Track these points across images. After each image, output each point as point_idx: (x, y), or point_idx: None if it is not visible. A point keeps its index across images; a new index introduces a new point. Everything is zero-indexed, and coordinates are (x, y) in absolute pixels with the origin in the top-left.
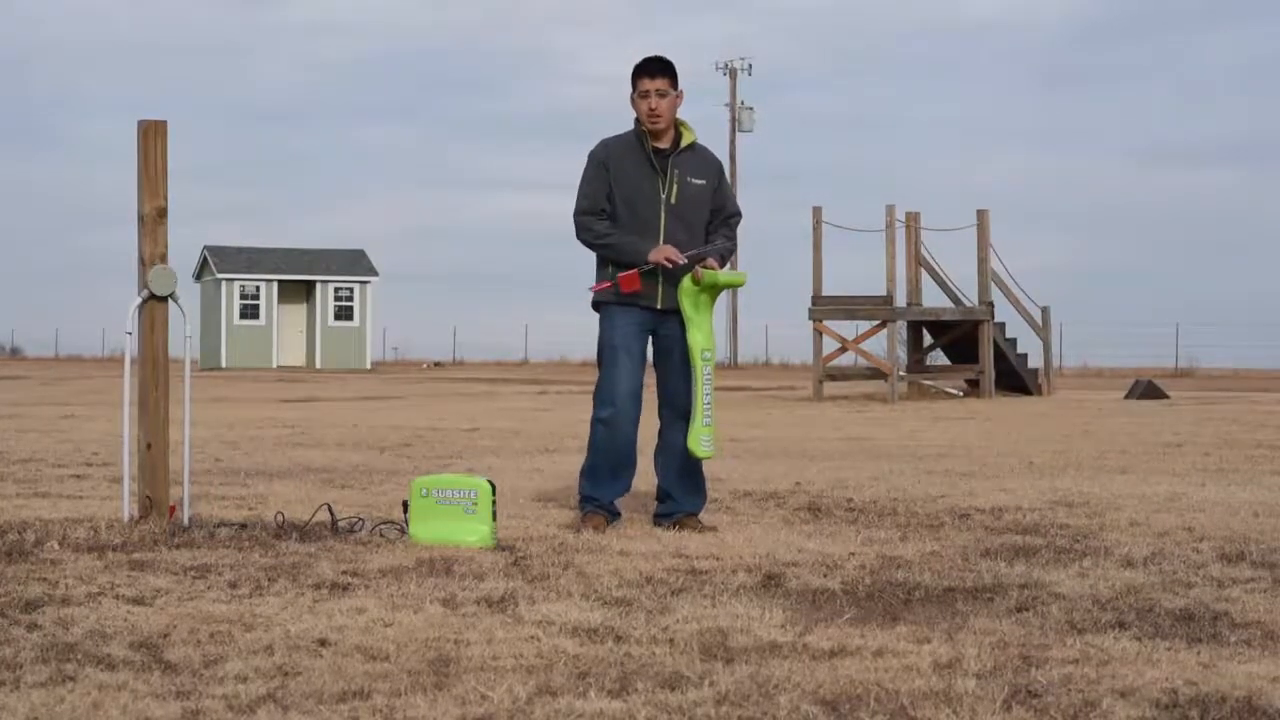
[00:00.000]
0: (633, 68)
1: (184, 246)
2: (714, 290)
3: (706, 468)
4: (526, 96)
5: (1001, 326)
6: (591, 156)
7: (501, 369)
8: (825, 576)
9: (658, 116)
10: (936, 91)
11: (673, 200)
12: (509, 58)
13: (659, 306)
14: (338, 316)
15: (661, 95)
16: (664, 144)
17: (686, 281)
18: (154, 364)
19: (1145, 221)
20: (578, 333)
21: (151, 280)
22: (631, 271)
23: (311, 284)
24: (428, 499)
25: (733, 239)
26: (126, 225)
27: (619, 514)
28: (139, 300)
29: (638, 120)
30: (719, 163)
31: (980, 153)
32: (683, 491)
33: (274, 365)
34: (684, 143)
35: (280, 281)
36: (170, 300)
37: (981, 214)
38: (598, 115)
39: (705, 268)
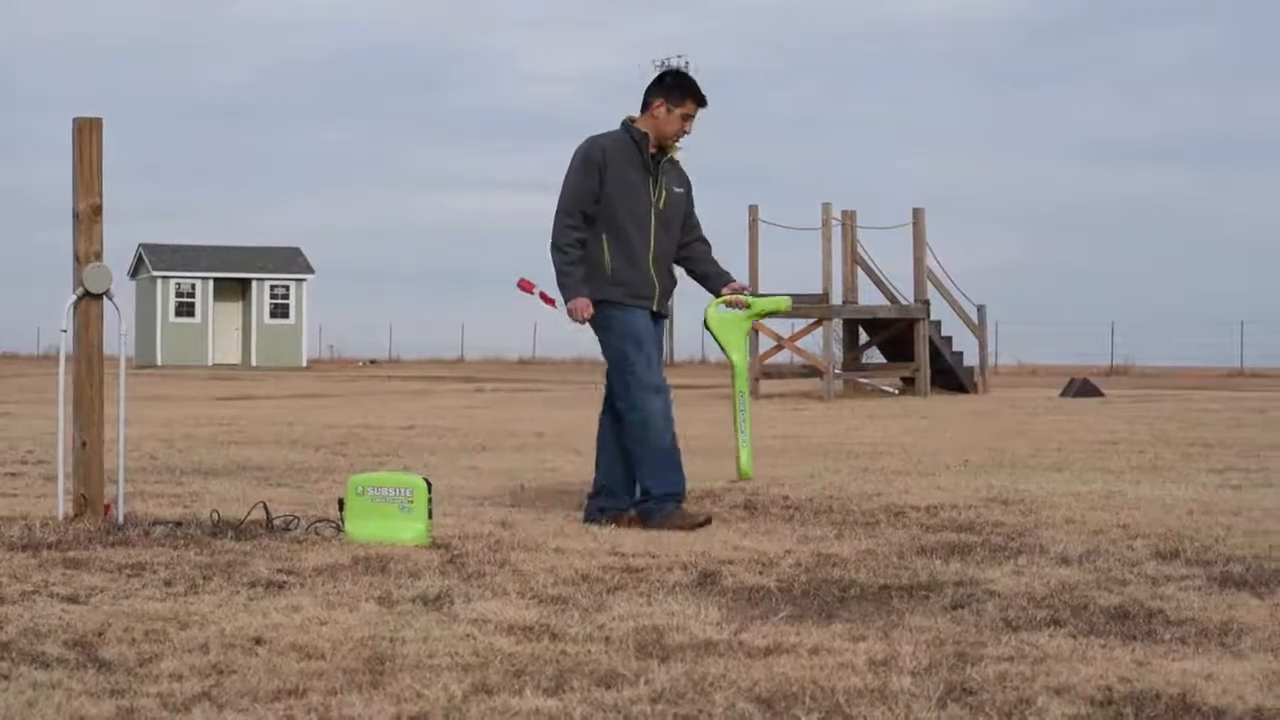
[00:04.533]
0: (680, 85)
1: (122, 244)
2: (755, 317)
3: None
4: (468, 95)
5: (937, 325)
6: (588, 156)
7: (437, 367)
8: (761, 574)
9: (682, 137)
10: (875, 91)
11: (661, 206)
12: (453, 57)
13: (654, 309)
14: (273, 314)
15: (692, 119)
16: (653, 149)
17: (713, 310)
18: (89, 361)
19: (1081, 220)
20: (513, 331)
21: (86, 278)
22: (552, 299)
23: (247, 282)
24: (363, 497)
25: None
26: (63, 223)
27: None
28: (74, 298)
29: (631, 123)
30: (689, 180)
31: (919, 152)
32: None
33: (209, 363)
34: (667, 153)
35: (216, 279)
36: (105, 298)
37: (917, 212)
38: (540, 114)
39: (739, 292)
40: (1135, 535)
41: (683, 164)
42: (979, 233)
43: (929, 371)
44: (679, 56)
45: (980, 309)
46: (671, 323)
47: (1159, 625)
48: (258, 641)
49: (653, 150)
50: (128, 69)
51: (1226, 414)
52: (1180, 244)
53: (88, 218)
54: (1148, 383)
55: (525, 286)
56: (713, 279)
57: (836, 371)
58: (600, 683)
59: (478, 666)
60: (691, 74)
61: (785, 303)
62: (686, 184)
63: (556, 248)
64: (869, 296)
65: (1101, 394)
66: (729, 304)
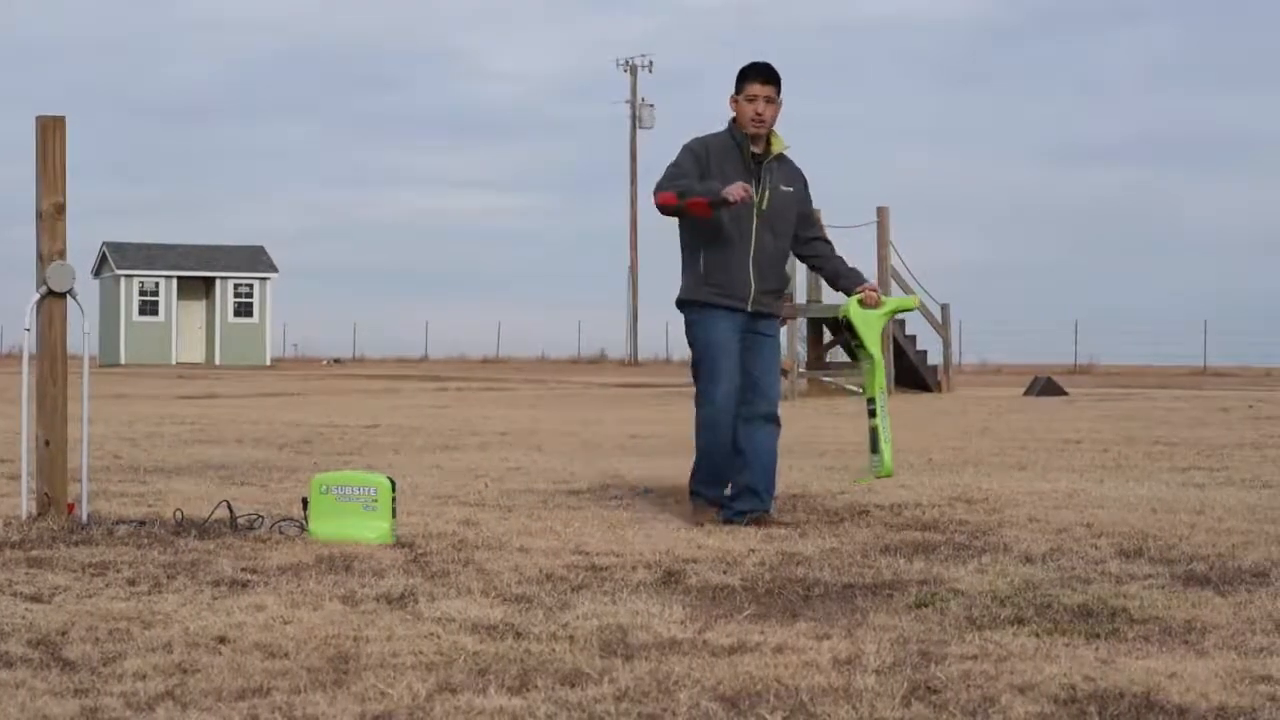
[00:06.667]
0: (740, 71)
1: (86, 243)
2: (889, 314)
3: (593, 466)
4: (431, 94)
5: (901, 324)
6: (688, 148)
7: (402, 366)
8: (725, 573)
9: (762, 122)
10: (839, 90)
11: (764, 207)
12: (414, 55)
13: (749, 309)
14: (237, 313)
15: (769, 102)
16: (759, 150)
17: (854, 307)
18: (52, 360)
19: (1045, 220)
20: (477, 330)
21: (50, 276)
22: (702, 201)
23: (211, 280)
24: (327, 496)
25: (839, 255)
26: (26, 221)
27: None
28: (37, 296)
29: (734, 123)
30: (804, 175)
31: (883, 151)
32: (766, 490)
33: (173, 361)
34: (774, 150)
35: (179, 278)
36: (69, 296)
37: (881, 211)
38: (504, 113)
39: (870, 290)
40: (1099, 534)
41: (793, 160)
42: (943, 232)
43: (893, 370)
44: (643, 55)
45: (944, 308)
46: (636, 322)
47: (1123, 624)
48: (222, 640)
49: (757, 151)
50: (91, 67)
51: (1190, 413)
52: (1144, 244)
53: (51, 216)
54: (1111, 381)
55: (692, 206)
56: (844, 278)
57: (801, 370)
58: (564, 681)
59: (442, 665)
60: (652, 74)
61: (914, 301)
62: (799, 181)
63: (660, 192)
64: (833, 295)
65: (1065, 393)
66: (864, 302)
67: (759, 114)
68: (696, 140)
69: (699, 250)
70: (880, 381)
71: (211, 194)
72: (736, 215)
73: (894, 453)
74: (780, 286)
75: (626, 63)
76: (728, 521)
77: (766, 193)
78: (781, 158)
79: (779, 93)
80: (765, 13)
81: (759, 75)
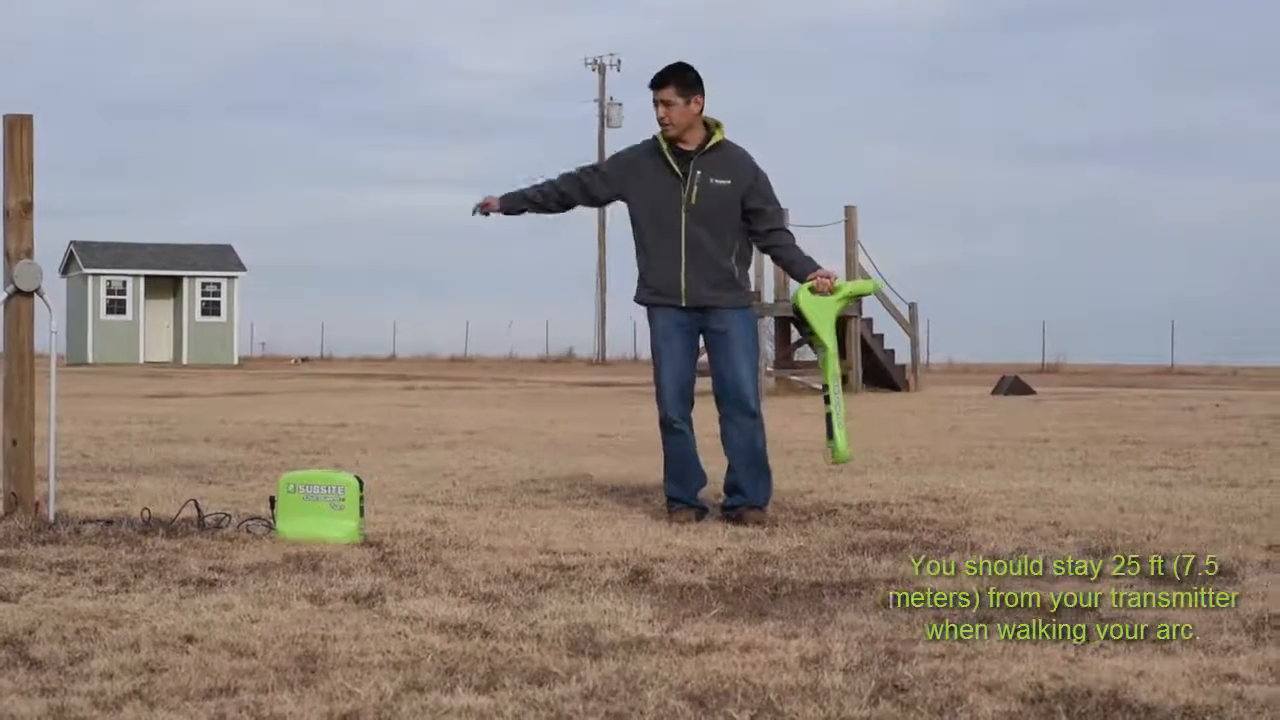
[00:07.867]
0: None
1: (53, 241)
2: (845, 300)
3: (561, 465)
4: (401, 93)
5: (869, 322)
6: (613, 155)
7: (370, 365)
8: (693, 572)
9: (667, 125)
10: (808, 89)
11: (693, 202)
12: (385, 54)
13: (684, 304)
14: (205, 312)
15: (668, 105)
16: (689, 145)
17: (804, 293)
18: (19, 359)
19: (1012, 219)
20: (445, 328)
21: (17, 275)
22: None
23: (179, 279)
24: (295, 495)
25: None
26: None
27: (705, 508)
28: (4, 295)
29: None
30: (750, 161)
31: (851, 150)
32: (752, 484)
33: (141, 361)
34: (711, 142)
35: (147, 277)
36: (36, 295)
37: (849, 210)
38: (474, 112)
39: (822, 277)
40: (1066, 533)
41: (739, 147)
42: (911, 231)
43: (861, 370)
44: (611, 54)
45: (912, 307)
46: (604, 321)
47: (1090, 622)
48: (189, 640)
49: (687, 146)
50: (59, 65)
51: (1157, 411)
52: (1112, 243)
53: (18, 215)
54: (1078, 380)
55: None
56: (798, 265)
57: (769, 369)
58: (532, 680)
59: (409, 664)
60: (620, 72)
61: (873, 285)
62: (741, 171)
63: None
64: None
65: (1033, 392)
66: (816, 289)
67: (660, 118)
68: (616, 154)
69: (637, 252)
70: (833, 368)
71: (179, 193)
72: (661, 216)
73: (850, 441)
74: (726, 278)
75: (595, 62)
76: (725, 517)
77: (695, 188)
78: (720, 149)
79: (679, 92)
80: (738, 11)
81: (652, 83)
